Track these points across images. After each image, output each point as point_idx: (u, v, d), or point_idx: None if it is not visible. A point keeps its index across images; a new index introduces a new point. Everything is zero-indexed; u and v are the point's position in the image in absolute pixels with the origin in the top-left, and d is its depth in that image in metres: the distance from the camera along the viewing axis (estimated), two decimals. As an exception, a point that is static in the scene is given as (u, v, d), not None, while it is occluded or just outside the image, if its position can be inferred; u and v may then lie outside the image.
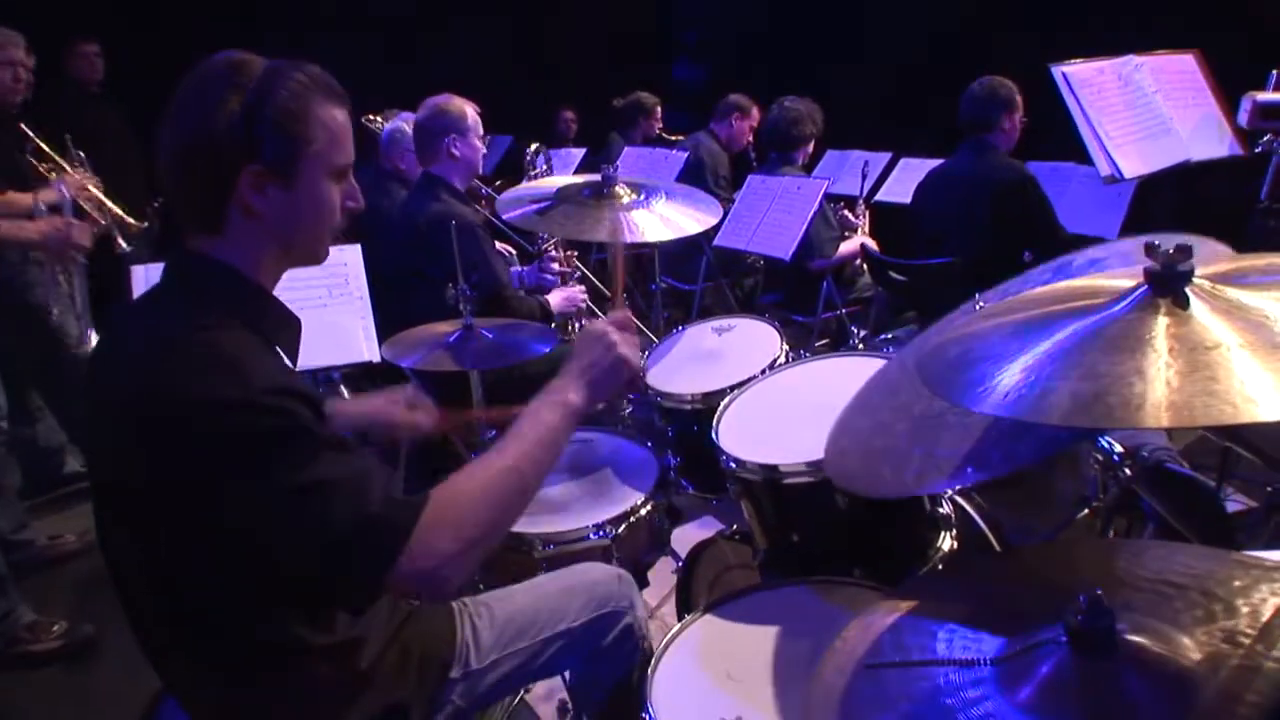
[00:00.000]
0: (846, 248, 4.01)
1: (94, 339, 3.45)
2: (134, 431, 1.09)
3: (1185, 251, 0.93)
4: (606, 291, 3.68)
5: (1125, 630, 0.87)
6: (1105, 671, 0.85)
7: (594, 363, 1.33)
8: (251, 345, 1.14)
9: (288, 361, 1.26)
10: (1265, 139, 2.81)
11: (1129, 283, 0.97)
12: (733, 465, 1.71)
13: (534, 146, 3.88)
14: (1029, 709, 0.84)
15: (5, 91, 2.97)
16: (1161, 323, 0.89)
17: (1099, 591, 0.86)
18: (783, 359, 2.07)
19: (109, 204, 3.43)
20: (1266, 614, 0.88)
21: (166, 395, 1.07)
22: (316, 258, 1.29)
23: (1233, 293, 0.91)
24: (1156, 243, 0.95)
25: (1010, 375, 0.89)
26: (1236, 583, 0.93)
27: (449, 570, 1.13)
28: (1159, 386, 0.81)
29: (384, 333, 2.44)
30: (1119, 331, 0.90)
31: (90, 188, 3.34)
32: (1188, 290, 0.91)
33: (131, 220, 3.53)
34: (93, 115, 4.10)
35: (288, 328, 1.27)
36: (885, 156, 4.91)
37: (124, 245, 3.48)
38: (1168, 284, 0.92)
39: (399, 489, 1.15)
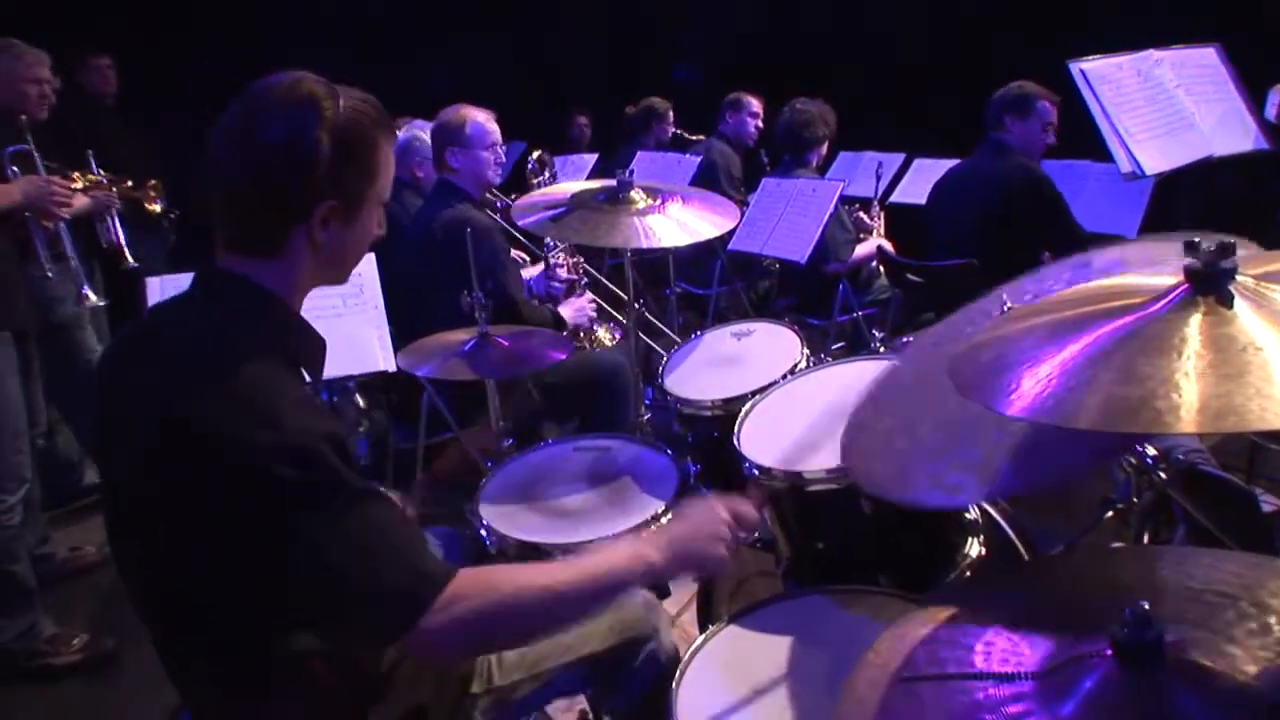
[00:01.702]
0: (862, 250, 3.99)
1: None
2: (159, 450, 1.09)
3: (1228, 248, 0.89)
4: (623, 295, 3.65)
5: (1173, 642, 0.84)
6: (1154, 686, 0.81)
7: (696, 539, 1.30)
8: (286, 380, 1.13)
9: (310, 381, 1.25)
10: (1294, 132, 2.77)
11: (1168, 281, 0.94)
12: (755, 472, 1.68)
13: (536, 154, 3.84)
14: (1074, 727, 0.81)
15: (33, 108, 3.01)
16: (1204, 323, 0.85)
17: (1144, 603, 0.83)
18: (803, 364, 2.04)
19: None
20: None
21: (199, 425, 1.06)
22: (343, 281, 1.31)
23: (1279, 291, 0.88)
24: (1197, 240, 0.91)
25: (1048, 379, 0.86)
26: (1290, 592, 0.90)
27: (446, 653, 1.14)
28: (1206, 390, 0.77)
29: (398, 341, 2.43)
30: (1158, 332, 0.87)
31: (112, 189, 3.35)
32: (1231, 288, 0.88)
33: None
34: (107, 128, 4.11)
35: (314, 349, 1.28)
36: (899, 158, 4.87)
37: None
38: (1210, 282, 0.89)
39: (425, 551, 1.13)
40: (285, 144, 1.13)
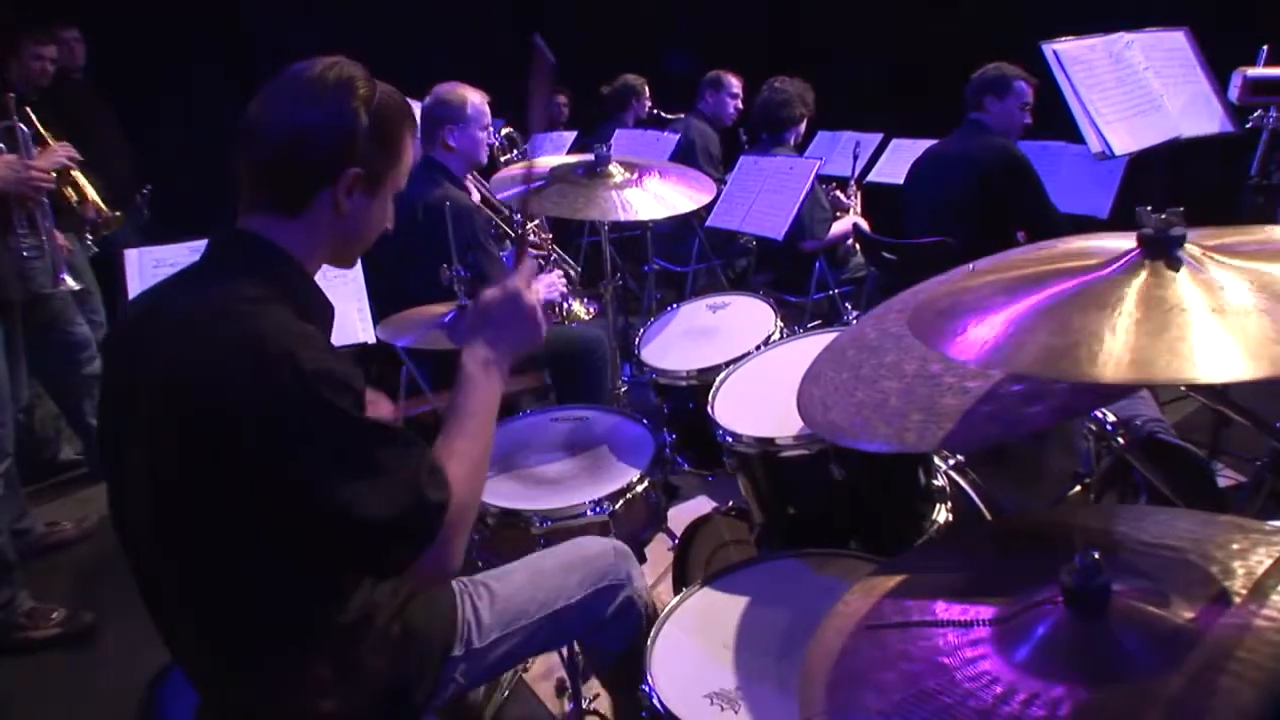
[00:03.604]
0: (838, 228, 4.02)
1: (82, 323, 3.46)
2: (175, 405, 1.13)
3: (1178, 217, 0.94)
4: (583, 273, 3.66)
5: (1122, 591, 0.88)
6: (1100, 631, 0.85)
7: (508, 323, 1.39)
8: (296, 324, 1.18)
9: None
10: (1256, 114, 2.82)
11: (1124, 245, 0.98)
12: (729, 440, 1.72)
13: (506, 131, 3.81)
14: (1026, 668, 0.85)
15: None
16: (1143, 284, 0.90)
17: (1094, 553, 0.87)
18: (777, 335, 2.07)
19: (89, 191, 3.40)
20: (1260, 573, 0.89)
21: (212, 373, 1.11)
22: (351, 263, 1.39)
23: (1221, 260, 0.92)
24: (1149, 209, 0.96)
25: (992, 327, 0.90)
26: (1235, 545, 0.94)
27: (456, 556, 1.22)
28: (1124, 343, 0.82)
29: (376, 315, 2.44)
30: (1099, 290, 0.91)
31: (75, 172, 3.31)
32: (1179, 254, 0.92)
33: (106, 210, 3.51)
34: (74, 101, 4.04)
35: (324, 312, 1.32)
36: (876, 137, 4.91)
37: (90, 239, 3.49)
38: (1160, 248, 0.93)
39: (432, 480, 1.20)
40: (327, 109, 1.21)
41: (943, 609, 0.97)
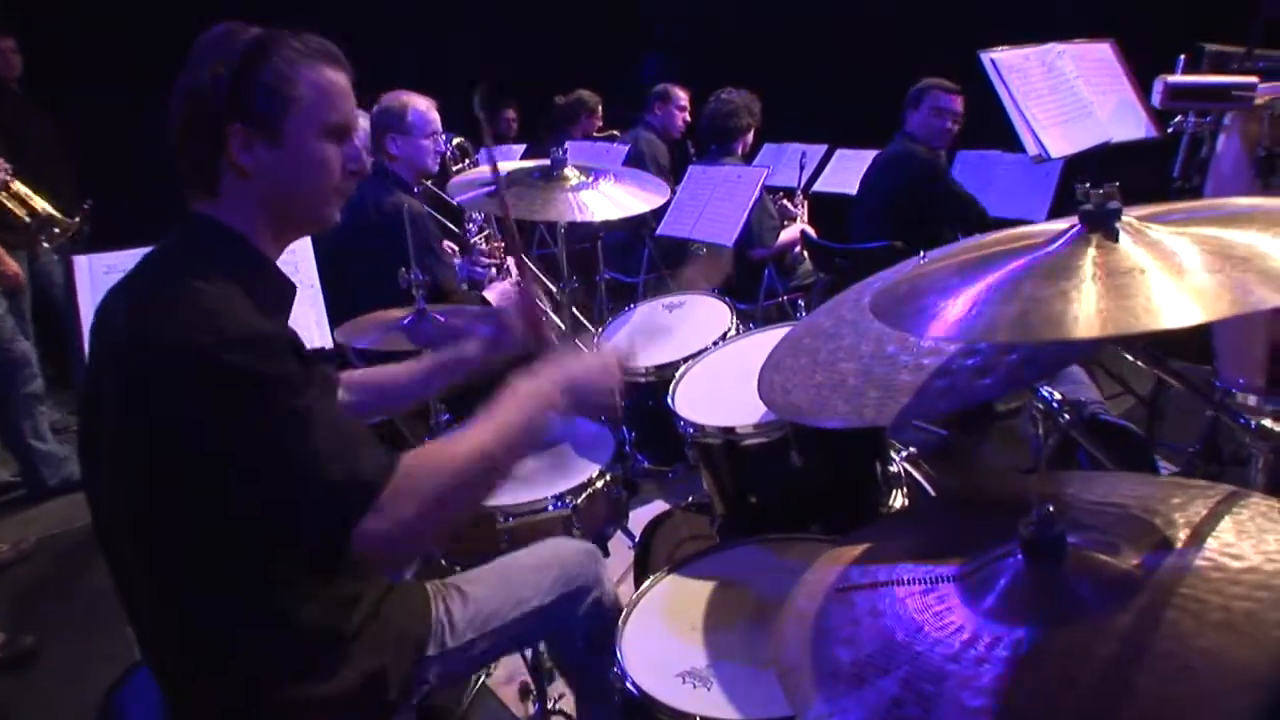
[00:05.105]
0: (786, 236, 4.12)
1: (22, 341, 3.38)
2: (122, 382, 1.13)
3: (1113, 191, 1.00)
4: (550, 285, 3.68)
5: (1074, 543, 0.93)
6: (1057, 578, 0.90)
7: (589, 381, 1.38)
8: (236, 299, 1.15)
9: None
10: (1176, 119, 2.96)
11: (1065, 224, 1.03)
12: (691, 431, 1.75)
13: (456, 141, 3.81)
14: (990, 615, 0.89)
15: None
16: (1089, 253, 0.95)
17: (1049, 505, 0.92)
18: (733, 331, 2.11)
19: (37, 201, 3.33)
20: (1197, 522, 0.95)
21: (147, 343, 1.11)
22: (323, 219, 1.30)
23: (1156, 228, 0.98)
24: (1087, 184, 1.02)
25: (953, 304, 0.95)
26: (1175, 500, 1.00)
27: (406, 537, 1.15)
28: (1078, 304, 0.87)
29: (330, 321, 2.42)
30: (1051, 263, 0.97)
31: (16, 185, 3.24)
32: (1117, 225, 0.98)
33: (61, 216, 3.44)
34: (10, 112, 3.95)
35: (279, 290, 1.30)
36: (821, 148, 5.03)
37: (46, 245, 3.43)
38: (1099, 220, 0.99)
39: (364, 452, 1.15)
40: (189, 75, 1.19)
41: (908, 570, 1.01)
